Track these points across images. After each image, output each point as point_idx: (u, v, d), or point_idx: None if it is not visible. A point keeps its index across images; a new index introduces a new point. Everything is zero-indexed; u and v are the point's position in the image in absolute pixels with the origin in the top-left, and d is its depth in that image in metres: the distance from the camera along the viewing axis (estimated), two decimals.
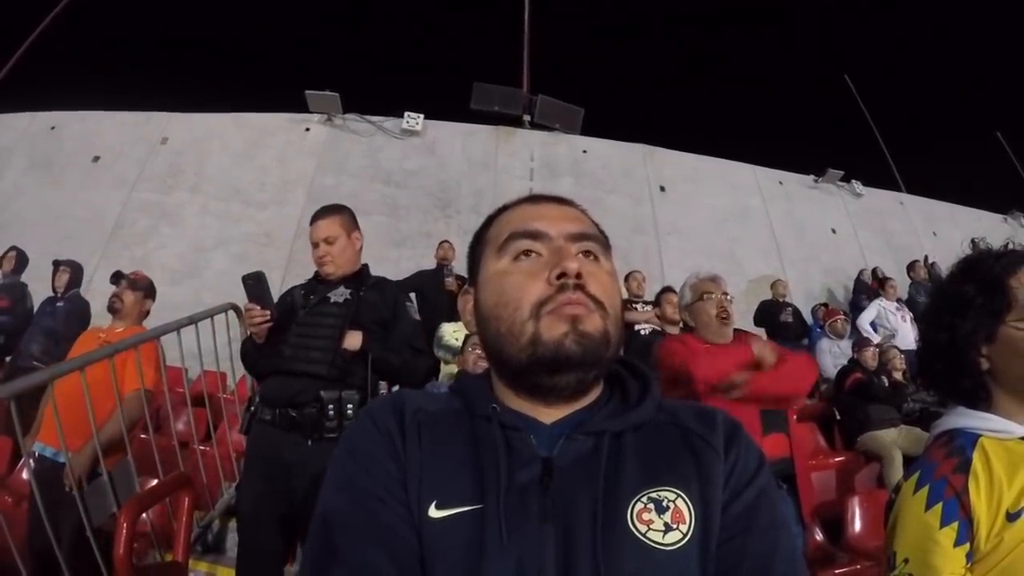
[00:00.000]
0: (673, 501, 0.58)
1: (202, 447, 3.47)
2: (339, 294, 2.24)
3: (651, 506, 0.57)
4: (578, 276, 0.61)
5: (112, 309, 3.03)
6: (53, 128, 8.17)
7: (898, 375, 5.01)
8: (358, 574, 0.54)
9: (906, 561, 0.90)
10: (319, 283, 2.32)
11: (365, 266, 2.40)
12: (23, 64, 9.36)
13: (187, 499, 2.20)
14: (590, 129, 8.36)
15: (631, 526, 0.56)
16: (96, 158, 7.86)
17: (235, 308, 3.60)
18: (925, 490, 0.91)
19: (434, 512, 0.57)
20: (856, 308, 7.43)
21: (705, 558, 0.57)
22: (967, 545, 0.86)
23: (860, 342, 5.35)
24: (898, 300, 6.58)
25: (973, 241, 1.07)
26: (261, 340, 2.16)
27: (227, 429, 3.86)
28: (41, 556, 2.20)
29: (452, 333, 3.77)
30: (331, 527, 0.58)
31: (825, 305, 7.26)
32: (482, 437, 0.61)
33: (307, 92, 7.64)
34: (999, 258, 0.98)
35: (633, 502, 0.57)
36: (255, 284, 2.11)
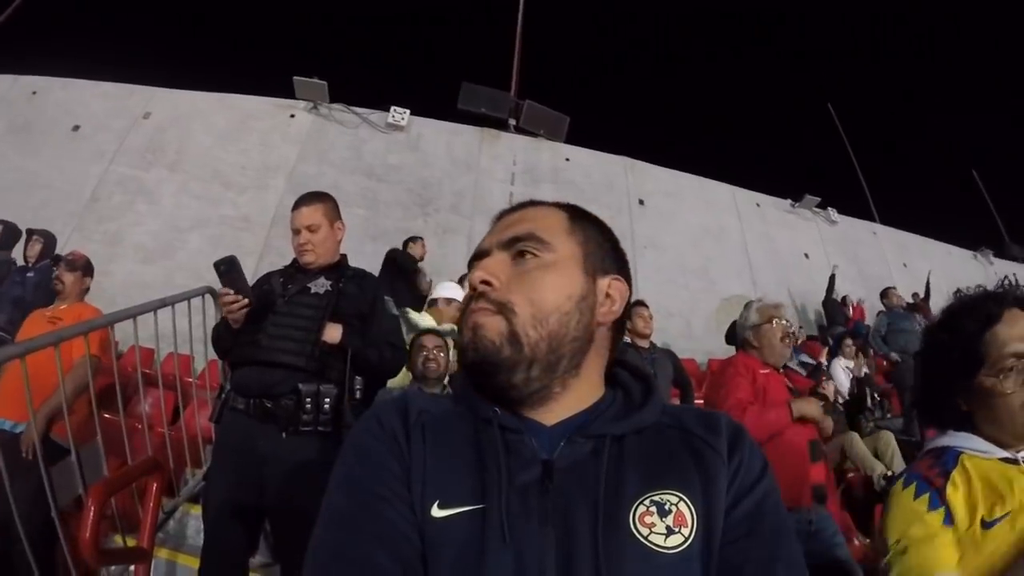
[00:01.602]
0: (675, 504, 0.58)
1: (168, 431, 3.43)
2: (320, 285, 2.18)
3: (653, 509, 0.57)
4: (485, 283, 0.65)
5: (56, 291, 3.19)
6: (34, 93, 8.03)
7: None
8: (362, 572, 0.55)
9: (898, 542, 0.97)
10: (297, 271, 2.26)
11: (344, 257, 2.34)
12: (7, 25, 9.19)
13: (155, 485, 2.17)
14: (574, 138, 8.44)
15: (633, 529, 0.56)
16: (76, 127, 7.75)
17: (211, 292, 3.56)
18: (913, 485, 1.01)
19: (437, 512, 0.58)
20: (831, 334, 7.57)
21: (707, 561, 0.57)
22: (951, 528, 0.94)
23: (820, 372, 5.51)
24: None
25: (957, 291, 1.18)
26: (238, 325, 2.09)
27: (194, 414, 3.88)
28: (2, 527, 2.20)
29: (418, 315, 3.79)
30: (336, 526, 0.59)
31: (794, 333, 7.38)
32: (484, 439, 0.62)
33: (295, 78, 7.59)
34: (974, 312, 1.07)
35: (635, 505, 0.58)
36: (228, 269, 2.02)
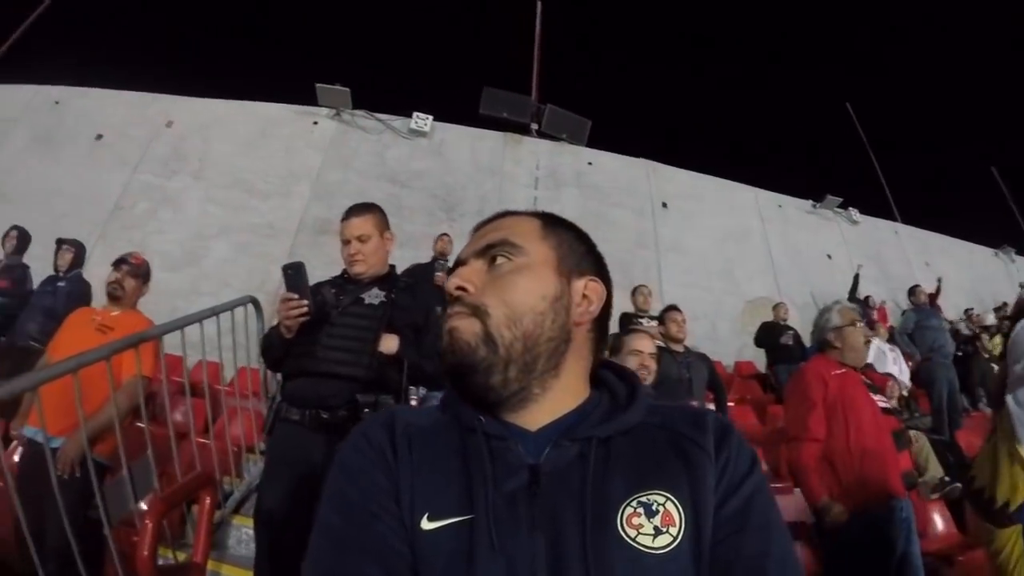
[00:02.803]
0: (663, 504, 0.58)
1: (201, 440, 3.41)
2: (374, 295, 2.16)
3: (640, 510, 0.57)
4: (462, 289, 0.66)
5: (113, 296, 2.98)
6: (57, 103, 8.06)
7: (893, 401, 5.17)
8: None
9: None
10: (348, 282, 2.23)
11: (393, 267, 2.33)
12: (29, 35, 9.23)
13: (208, 499, 2.13)
14: (596, 141, 8.42)
15: (621, 531, 0.56)
16: (99, 136, 7.77)
17: (254, 302, 3.60)
18: None
19: (426, 524, 0.58)
20: None
21: (697, 560, 0.57)
22: None
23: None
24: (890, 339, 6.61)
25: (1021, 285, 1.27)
26: (291, 335, 2.05)
27: (226, 423, 3.86)
28: (35, 539, 2.13)
29: None
30: (328, 543, 0.59)
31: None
32: (470, 448, 0.62)
33: (317, 85, 7.60)
34: None
35: (623, 507, 0.57)
36: (295, 275, 2.00)
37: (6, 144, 7.71)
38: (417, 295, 2.26)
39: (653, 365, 2.58)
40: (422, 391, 3.76)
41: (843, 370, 2.54)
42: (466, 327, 0.63)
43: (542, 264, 0.68)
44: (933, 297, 7.94)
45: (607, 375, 0.71)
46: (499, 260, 0.67)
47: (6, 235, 5.34)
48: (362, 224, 2.21)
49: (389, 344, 2.06)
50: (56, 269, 4.80)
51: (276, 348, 2.13)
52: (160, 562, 2.53)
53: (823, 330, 2.67)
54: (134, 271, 3.01)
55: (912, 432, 4.54)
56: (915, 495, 2.54)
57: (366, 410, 1.97)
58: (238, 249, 7.06)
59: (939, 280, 8.20)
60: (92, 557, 2.28)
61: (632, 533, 0.56)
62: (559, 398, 0.65)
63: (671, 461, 0.61)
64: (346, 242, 2.20)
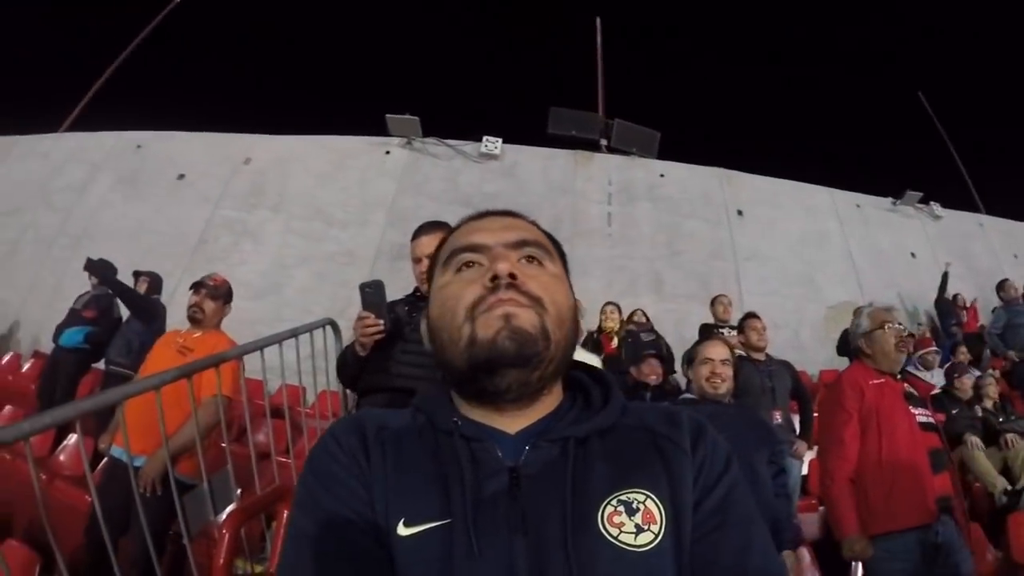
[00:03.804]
0: (643, 502, 0.58)
1: (283, 459, 3.52)
2: None
3: (621, 508, 0.57)
4: (512, 276, 0.62)
5: (193, 319, 3.01)
6: (139, 147, 8.47)
7: (988, 403, 4.95)
8: None
9: None
10: (420, 299, 2.22)
11: None
12: (110, 84, 9.71)
13: (285, 511, 2.16)
14: (667, 153, 8.33)
15: (602, 529, 0.56)
16: (181, 176, 8.12)
17: (332, 323, 3.65)
18: None
19: (403, 530, 0.57)
20: (947, 334, 7.24)
21: (679, 557, 0.57)
22: None
23: (958, 369, 5.24)
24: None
25: None
26: (366, 352, 2.06)
27: (307, 443, 3.95)
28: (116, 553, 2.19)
29: None
30: (302, 551, 0.58)
31: (911, 335, 7.09)
32: (446, 451, 0.61)
33: (387, 116, 7.77)
34: None
35: (603, 506, 0.57)
36: (373, 292, 2.00)
37: (92, 188, 8.15)
38: None
39: (727, 372, 2.47)
40: None
41: (882, 379, 2.41)
42: (528, 317, 0.61)
43: (563, 277, 0.69)
44: (941, 293, 7.59)
45: (580, 376, 0.70)
46: (536, 260, 0.67)
47: (137, 279, 5.57)
48: (431, 242, 2.18)
49: None
50: None
51: (351, 366, 2.15)
52: (239, 573, 2.61)
53: (855, 336, 2.56)
54: (213, 292, 3.03)
55: (1010, 436, 4.35)
56: (960, 515, 2.35)
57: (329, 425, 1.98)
58: (318, 277, 7.25)
59: (947, 269, 7.79)
60: (172, 571, 2.37)
61: (614, 532, 0.56)
62: (549, 402, 0.66)
63: (649, 459, 0.61)
64: (417, 260, 2.19)
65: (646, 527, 0.57)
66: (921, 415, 2.40)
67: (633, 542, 0.56)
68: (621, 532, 0.56)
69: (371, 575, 0.56)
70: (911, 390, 2.47)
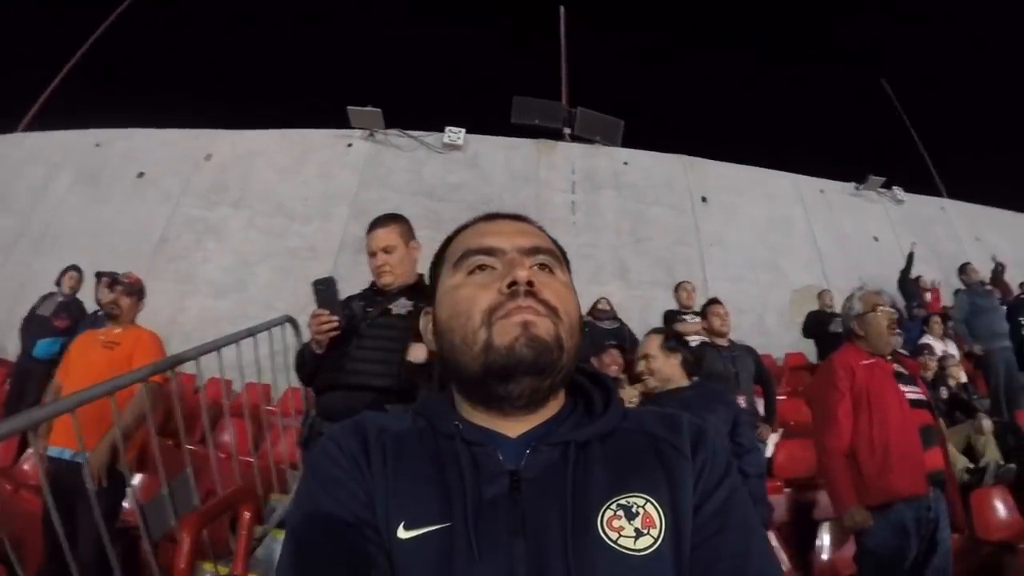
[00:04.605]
0: (642, 507, 0.58)
1: (247, 459, 3.49)
2: (401, 306, 2.17)
3: (621, 513, 0.57)
4: (529, 284, 0.62)
5: (112, 316, 3.16)
6: (98, 145, 8.33)
7: (952, 383, 5.02)
8: None
9: None
10: (376, 294, 2.25)
11: (422, 276, 2.31)
12: (68, 82, 9.54)
13: (247, 513, 2.19)
14: (630, 141, 8.36)
15: (602, 534, 0.56)
16: (141, 174, 7.99)
17: (291, 320, 3.66)
18: None
19: (403, 533, 0.57)
20: (910, 316, 7.31)
21: (678, 561, 0.57)
22: None
23: (920, 349, 5.30)
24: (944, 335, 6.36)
25: None
26: (321, 350, 2.08)
27: (273, 441, 3.92)
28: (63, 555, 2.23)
29: None
30: (301, 554, 0.58)
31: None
32: (447, 455, 0.61)
33: (349, 108, 7.71)
34: None
35: (603, 510, 0.57)
36: (326, 289, 2.03)
37: (52, 187, 7.99)
38: None
39: (652, 366, 2.62)
40: None
41: (872, 360, 2.48)
42: (545, 325, 0.61)
43: (572, 285, 0.69)
44: (1001, 283, 7.68)
45: (582, 381, 0.70)
46: (548, 268, 0.67)
47: (65, 274, 5.49)
48: (386, 235, 2.21)
49: (417, 353, 2.05)
50: (97, 302, 4.93)
51: (308, 363, 2.17)
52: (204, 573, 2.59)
53: (847, 318, 2.63)
54: (128, 289, 3.19)
55: (984, 421, 4.39)
56: (953, 491, 2.46)
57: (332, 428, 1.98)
58: (282, 273, 7.17)
59: (996, 263, 7.90)
60: (123, 566, 2.35)
61: (613, 536, 0.56)
62: (551, 407, 0.66)
63: (649, 464, 0.62)
64: (372, 254, 2.22)
65: (646, 531, 0.57)
66: (911, 393, 2.47)
67: (633, 546, 0.56)
68: (621, 536, 0.56)
69: None
70: (901, 369, 2.54)
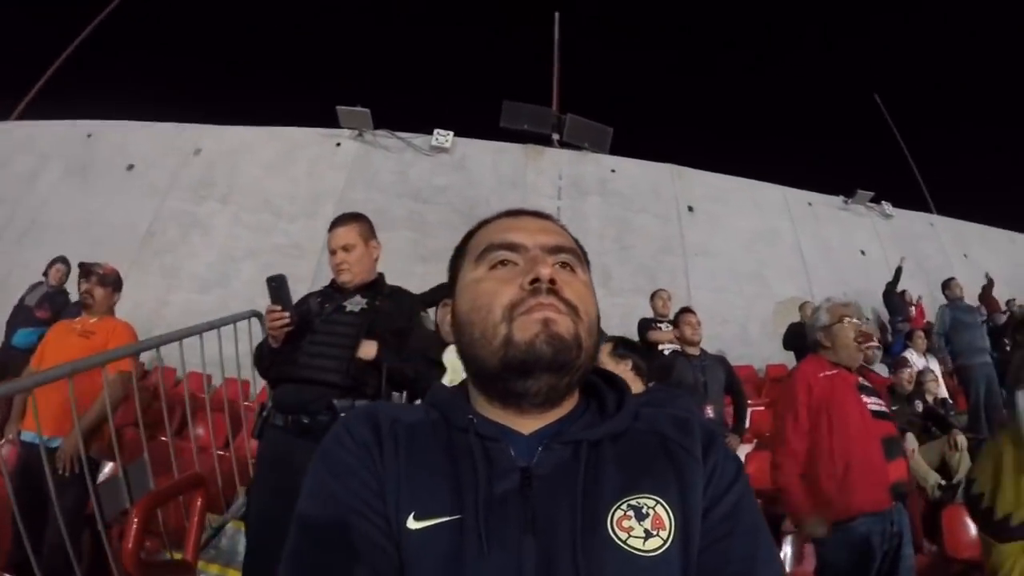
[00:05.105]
0: (652, 508, 0.58)
1: (221, 452, 3.54)
2: (355, 303, 2.23)
3: (631, 513, 0.57)
4: (552, 282, 0.62)
5: (86, 305, 3.15)
6: (89, 136, 8.32)
7: (929, 398, 5.01)
8: None
9: None
10: (335, 291, 2.30)
11: (381, 275, 2.38)
12: (61, 73, 9.55)
13: (199, 499, 2.20)
14: (619, 148, 8.37)
15: (611, 533, 0.56)
16: (130, 166, 7.99)
17: (257, 315, 3.65)
18: None
19: (412, 523, 0.57)
20: (893, 330, 7.32)
21: (686, 563, 0.57)
22: None
23: (898, 363, 5.29)
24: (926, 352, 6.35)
25: None
26: (277, 344, 2.14)
27: (247, 436, 3.93)
28: (33, 536, 2.26)
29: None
30: (310, 540, 0.58)
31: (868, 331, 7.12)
32: (459, 448, 0.61)
33: (339, 107, 7.72)
34: None
35: (613, 509, 0.57)
36: (279, 287, 2.09)
37: (42, 177, 7.99)
38: (402, 301, 2.33)
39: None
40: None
41: (834, 371, 2.44)
42: (566, 324, 0.62)
43: (591, 285, 0.69)
44: (989, 299, 7.67)
45: (596, 381, 0.71)
46: (569, 267, 0.67)
47: (51, 266, 5.50)
48: (346, 234, 2.27)
49: (367, 350, 2.14)
50: (80, 293, 4.92)
51: (265, 358, 2.22)
52: (162, 559, 2.64)
53: (812, 329, 2.59)
54: (103, 280, 3.18)
55: (959, 437, 4.38)
56: (915, 504, 2.45)
57: (342, 415, 2.01)
58: (266, 269, 7.06)
59: (989, 279, 7.90)
60: (92, 553, 2.43)
61: (623, 536, 0.56)
62: (566, 405, 0.66)
63: (660, 465, 0.62)
64: (332, 252, 2.28)
65: (655, 532, 0.57)
66: (873, 404, 2.43)
67: (642, 547, 0.56)
68: (630, 536, 0.56)
69: (378, 566, 0.56)
70: (864, 382, 2.50)
